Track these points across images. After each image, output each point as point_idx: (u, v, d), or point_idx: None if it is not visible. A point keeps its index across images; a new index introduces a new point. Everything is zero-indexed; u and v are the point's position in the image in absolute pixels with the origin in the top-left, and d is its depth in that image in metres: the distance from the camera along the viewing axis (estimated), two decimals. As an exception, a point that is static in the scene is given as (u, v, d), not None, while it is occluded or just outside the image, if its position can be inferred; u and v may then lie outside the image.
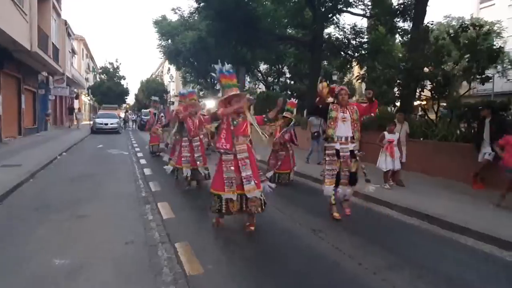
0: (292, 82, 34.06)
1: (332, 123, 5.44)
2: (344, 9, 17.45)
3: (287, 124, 8.04)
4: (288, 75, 34.98)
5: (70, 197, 6.43)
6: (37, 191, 6.99)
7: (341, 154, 5.39)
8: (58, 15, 22.44)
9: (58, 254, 3.93)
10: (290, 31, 20.85)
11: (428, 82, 10.01)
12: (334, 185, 5.43)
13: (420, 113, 10.82)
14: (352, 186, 5.55)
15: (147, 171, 9.32)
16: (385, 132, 7.51)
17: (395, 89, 10.92)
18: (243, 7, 16.02)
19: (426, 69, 9.80)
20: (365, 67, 19.90)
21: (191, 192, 7.18)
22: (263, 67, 33.19)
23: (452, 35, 9.91)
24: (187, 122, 7.22)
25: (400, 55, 14.48)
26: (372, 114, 9.27)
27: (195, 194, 6.98)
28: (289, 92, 31.49)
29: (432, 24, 10.42)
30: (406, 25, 17.16)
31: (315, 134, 10.61)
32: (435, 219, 5.49)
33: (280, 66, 32.46)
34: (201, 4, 16.84)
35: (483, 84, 8.68)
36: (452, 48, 10.19)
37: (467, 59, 8.85)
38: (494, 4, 31.51)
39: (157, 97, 16.35)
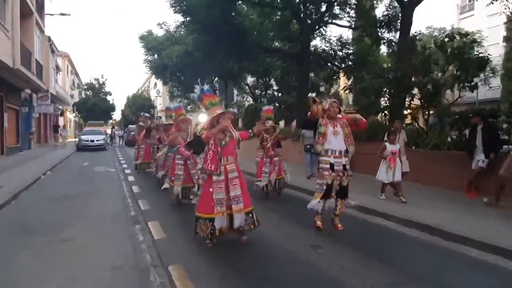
0: (280, 94, 34.23)
1: (320, 138, 5.38)
2: (330, 21, 17.61)
3: (273, 132, 7.86)
4: (275, 87, 35.21)
5: (54, 219, 6.11)
6: (19, 214, 6.64)
7: (335, 168, 5.30)
8: (42, 31, 22.11)
9: (40, 283, 3.65)
10: (277, 44, 20.91)
11: (417, 91, 10.03)
12: (321, 199, 5.36)
13: (409, 122, 10.83)
14: (342, 200, 5.44)
15: (135, 189, 9.02)
16: (386, 143, 7.25)
17: (384, 99, 10.92)
18: (230, 20, 16.00)
19: (414, 79, 9.83)
20: (352, 78, 20.19)
21: (181, 209, 6.91)
22: (250, 79, 33.29)
23: (438, 44, 9.99)
24: (180, 144, 7.14)
25: (386, 65, 14.56)
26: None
27: (186, 212, 6.67)
28: (277, 104, 31.56)
29: (419, 33, 10.49)
30: (391, 35, 17.47)
31: (308, 147, 10.22)
32: (435, 229, 5.35)
33: (267, 79, 32.59)
34: (187, 18, 16.75)
35: (472, 92, 8.73)
36: (439, 57, 10.27)
37: (456, 68, 8.89)
38: (473, 14, 32.37)
39: (148, 114, 16.04)
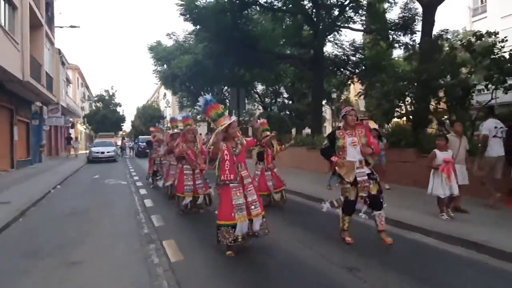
0: (290, 102, 33.80)
1: (340, 153, 5.00)
2: (344, 25, 17.17)
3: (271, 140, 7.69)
4: (285, 95, 34.79)
5: (61, 239, 5.65)
6: (25, 233, 6.21)
7: (358, 179, 4.91)
8: (52, 43, 22.08)
9: (43, 319, 3.16)
10: (288, 51, 20.50)
11: (443, 94, 9.45)
12: (345, 215, 5.07)
13: (435, 127, 10.21)
14: (379, 211, 4.94)
15: (148, 203, 8.56)
16: (436, 151, 6.24)
17: (406, 103, 10.36)
18: (240, 27, 15.68)
19: (440, 80, 9.27)
20: (365, 83, 19.62)
21: (197, 225, 6.42)
22: (260, 88, 32.96)
23: (465, 44, 9.43)
24: (187, 155, 7.18)
25: (403, 68, 13.99)
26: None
27: (203, 228, 6.20)
28: (287, 112, 31.15)
29: (446, 32, 9.95)
30: (407, 38, 16.96)
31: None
32: (484, 247, 4.76)
33: (277, 87, 32.23)
34: (198, 27, 16.47)
35: (506, 93, 8.12)
36: (465, 58, 9.71)
37: (487, 68, 8.31)
38: (486, 17, 31.63)
39: (161, 125, 15.68)
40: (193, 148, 7.27)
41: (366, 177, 4.94)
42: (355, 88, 36.32)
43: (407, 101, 10.12)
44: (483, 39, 9.32)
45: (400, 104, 9.87)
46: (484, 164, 6.84)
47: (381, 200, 4.97)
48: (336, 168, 4.99)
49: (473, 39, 9.40)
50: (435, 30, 11.22)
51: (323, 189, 9.34)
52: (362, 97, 22.67)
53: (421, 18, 10.50)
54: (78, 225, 6.53)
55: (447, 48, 9.44)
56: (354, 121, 5.00)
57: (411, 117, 9.95)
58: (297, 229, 5.98)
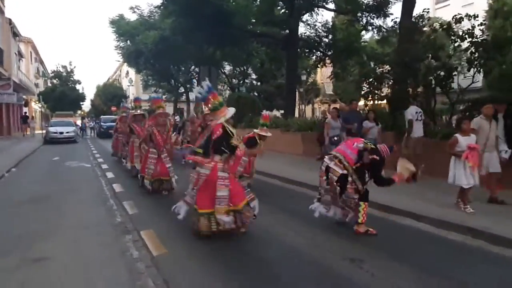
0: (259, 83, 33.30)
1: None
2: (320, 4, 16.77)
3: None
4: (253, 76, 34.21)
5: (21, 232, 4.95)
6: (-23, 224, 5.43)
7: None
8: (1, 12, 20.03)
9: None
10: (261, 29, 19.84)
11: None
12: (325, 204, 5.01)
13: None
14: (364, 202, 4.73)
15: (117, 187, 7.87)
16: (458, 135, 5.60)
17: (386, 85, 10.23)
18: (212, 2, 14.80)
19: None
20: (338, 65, 19.53)
21: (174, 213, 5.91)
22: (227, 68, 32.17)
23: (444, 27, 9.33)
24: (155, 137, 7.06)
25: (379, 51, 13.87)
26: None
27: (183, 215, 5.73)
28: (256, 94, 30.70)
29: (428, 11, 9.77)
30: (381, 21, 16.88)
31: (335, 139, 8.54)
32: (480, 232, 4.65)
33: (245, 67, 31.57)
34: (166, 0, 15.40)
35: (486, 78, 8.13)
36: (444, 41, 9.64)
37: (469, 51, 8.24)
38: (449, 4, 32.48)
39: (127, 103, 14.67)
40: (163, 132, 7.17)
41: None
42: (322, 71, 36.60)
43: (386, 83, 9.98)
44: (460, 23, 9.24)
45: (380, 86, 9.71)
46: (409, 143, 7.87)
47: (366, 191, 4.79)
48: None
49: (452, 22, 9.32)
50: (398, 15, 11.19)
51: (301, 172, 9.09)
52: (332, 79, 22.74)
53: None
54: (39, 214, 5.81)
55: (427, 30, 9.29)
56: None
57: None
58: (285, 216, 5.65)
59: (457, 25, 9.22)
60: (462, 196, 5.59)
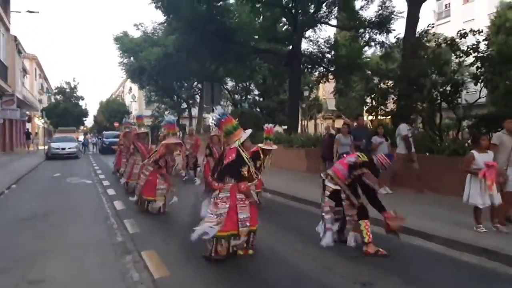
0: (261, 99, 33.39)
1: None
2: (324, 20, 16.90)
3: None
4: (256, 92, 34.36)
5: (19, 251, 4.79)
6: (-26, 243, 5.26)
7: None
8: (7, 29, 20.25)
9: None
10: (263, 46, 20.00)
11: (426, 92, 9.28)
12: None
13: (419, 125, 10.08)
14: (365, 220, 4.64)
15: (118, 205, 7.70)
16: (474, 152, 5.35)
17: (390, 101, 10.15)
18: (217, 19, 14.93)
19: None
20: (340, 81, 19.56)
21: (178, 231, 5.74)
22: (229, 84, 32.34)
23: (448, 42, 9.30)
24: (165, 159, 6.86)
25: (384, 67, 13.82)
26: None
27: (185, 235, 5.54)
28: (258, 109, 30.74)
29: (432, 26, 9.74)
30: (383, 37, 16.95)
31: (344, 156, 8.05)
32: (495, 253, 4.46)
33: (247, 83, 31.73)
34: (170, 16, 15.54)
35: (493, 92, 8.04)
36: (448, 56, 9.60)
37: (475, 66, 8.18)
38: (449, 21, 32.81)
39: (130, 119, 14.57)
40: (172, 155, 6.97)
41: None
42: (324, 87, 36.71)
43: (392, 98, 9.90)
44: (465, 38, 9.22)
45: (385, 102, 9.63)
46: (414, 156, 8.17)
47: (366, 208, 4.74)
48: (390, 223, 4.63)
49: (457, 38, 9.31)
50: (401, 32, 11.21)
51: (306, 189, 8.92)
52: (335, 95, 22.74)
53: (406, 14, 10.30)
54: (38, 233, 5.64)
55: (432, 45, 9.26)
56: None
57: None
58: (291, 235, 5.46)
59: (461, 40, 9.19)
60: (476, 215, 5.33)
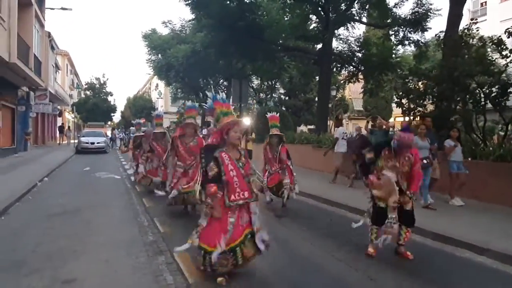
0: (287, 98, 33.02)
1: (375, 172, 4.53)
2: (356, 17, 16.39)
3: (279, 141, 7.05)
4: (281, 90, 34.01)
5: (50, 248, 4.74)
6: (7, 237, 5.25)
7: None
8: (41, 25, 20.76)
9: None
10: (292, 44, 19.64)
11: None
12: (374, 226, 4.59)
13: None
14: (407, 227, 4.50)
15: (147, 202, 7.66)
16: None
17: (429, 102, 9.64)
18: (247, 15, 14.71)
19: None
20: (371, 81, 18.95)
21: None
22: (255, 82, 32.13)
23: (495, 41, 8.72)
24: (178, 150, 6.26)
25: (423, 67, 13.20)
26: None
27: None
28: (284, 108, 30.38)
29: (475, 22, 9.14)
30: (418, 36, 16.26)
31: (425, 162, 6.59)
32: None
33: (273, 82, 31.43)
34: (200, 13, 15.43)
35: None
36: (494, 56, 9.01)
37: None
38: (486, 20, 31.34)
39: (141, 120, 14.43)
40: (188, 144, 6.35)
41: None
42: (349, 87, 35.96)
43: (430, 99, 9.40)
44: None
45: (423, 103, 9.14)
46: (335, 156, 10.14)
47: (413, 216, 4.49)
48: (373, 190, 4.46)
49: (504, 37, 8.72)
50: (434, 33, 10.62)
51: (337, 192, 8.60)
52: (365, 95, 22.11)
53: (447, 11, 9.70)
54: (69, 229, 5.60)
55: (477, 43, 8.71)
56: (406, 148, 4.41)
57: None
58: (328, 242, 5.17)
59: (509, 38, 8.60)
60: None
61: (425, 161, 6.56)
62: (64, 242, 4.96)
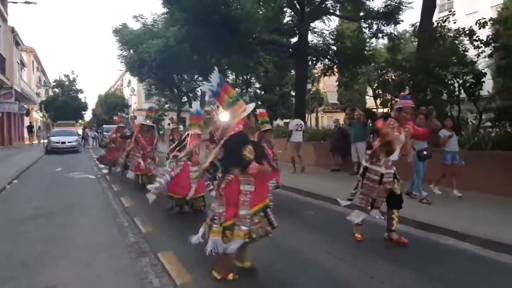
0: (263, 92, 32.97)
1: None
2: (332, 10, 16.46)
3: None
4: (257, 85, 33.92)
5: (25, 253, 4.47)
6: (-24, 244, 4.93)
7: (384, 179, 4.54)
8: (4, 20, 19.73)
9: None
10: (269, 37, 19.53)
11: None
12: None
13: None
14: (398, 210, 4.73)
15: (125, 201, 7.39)
16: None
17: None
18: (221, 8, 14.47)
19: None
20: (345, 74, 19.16)
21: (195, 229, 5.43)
22: (230, 77, 31.89)
23: (467, 32, 8.95)
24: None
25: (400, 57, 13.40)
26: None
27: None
28: (260, 103, 30.33)
29: (453, 14, 9.30)
30: (391, 28, 16.52)
31: (424, 153, 6.43)
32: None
33: (248, 76, 31.31)
34: (173, 6, 15.05)
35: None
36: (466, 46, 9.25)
37: (500, 56, 7.85)
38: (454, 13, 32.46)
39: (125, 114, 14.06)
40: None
41: (392, 178, 4.63)
42: (324, 80, 36.34)
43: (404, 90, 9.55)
44: (484, 28, 8.87)
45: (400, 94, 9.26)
46: (290, 147, 10.81)
47: (402, 199, 4.74)
48: (384, 133, 4.40)
49: (475, 27, 8.96)
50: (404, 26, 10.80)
51: (319, 184, 8.63)
52: (340, 88, 22.36)
53: (421, 2, 9.86)
54: (45, 233, 5.31)
55: (451, 35, 8.90)
56: (407, 118, 4.58)
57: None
58: (313, 235, 5.14)
59: (480, 29, 8.84)
60: None
61: (425, 152, 6.36)
62: (40, 246, 4.69)
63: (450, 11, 9.33)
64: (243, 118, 3.51)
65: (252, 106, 3.67)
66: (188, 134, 6.05)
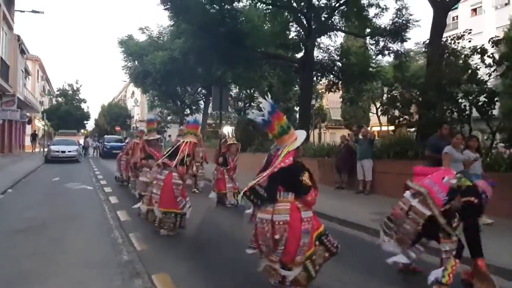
0: (267, 107, 32.88)
1: None
2: (338, 27, 16.41)
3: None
4: (260, 99, 33.83)
5: (12, 271, 4.14)
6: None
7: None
8: (10, 28, 19.75)
9: None
10: (274, 51, 19.49)
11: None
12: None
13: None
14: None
15: (122, 215, 7.06)
16: None
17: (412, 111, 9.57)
18: (228, 21, 14.42)
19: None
20: (351, 90, 19.03)
21: (192, 249, 5.12)
22: (233, 91, 31.86)
23: (478, 50, 8.74)
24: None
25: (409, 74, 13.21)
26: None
27: (197, 252, 4.92)
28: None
29: (469, 32, 9.07)
30: (398, 46, 16.44)
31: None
32: None
33: (252, 90, 31.28)
34: (180, 18, 15.00)
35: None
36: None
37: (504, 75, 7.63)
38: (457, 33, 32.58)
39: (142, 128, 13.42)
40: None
41: None
42: (327, 96, 36.27)
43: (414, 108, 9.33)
44: (499, 45, 8.67)
45: (410, 111, 9.05)
46: None
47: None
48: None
49: (488, 45, 8.78)
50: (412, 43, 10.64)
51: (325, 203, 8.27)
52: (345, 104, 22.16)
53: (431, 20, 9.72)
54: (34, 248, 4.98)
55: (463, 53, 8.70)
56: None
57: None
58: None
59: (493, 47, 8.65)
60: None
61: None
62: (28, 263, 4.37)
63: (465, 31, 9.08)
64: (294, 149, 3.30)
65: (304, 134, 3.51)
66: (183, 142, 5.78)
